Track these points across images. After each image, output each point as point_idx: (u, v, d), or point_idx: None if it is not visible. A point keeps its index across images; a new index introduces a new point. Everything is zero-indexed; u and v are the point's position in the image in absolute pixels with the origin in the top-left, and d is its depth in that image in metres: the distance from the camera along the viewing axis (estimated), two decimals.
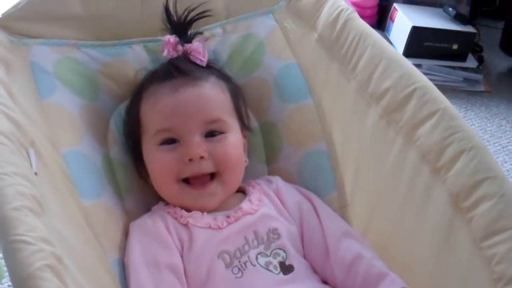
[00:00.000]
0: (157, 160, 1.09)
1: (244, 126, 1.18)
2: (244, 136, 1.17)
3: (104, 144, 1.14)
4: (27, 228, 0.73)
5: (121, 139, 1.17)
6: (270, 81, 1.26)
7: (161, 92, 1.11)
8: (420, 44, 2.39)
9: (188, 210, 1.08)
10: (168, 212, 1.08)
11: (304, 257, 1.08)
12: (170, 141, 1.08)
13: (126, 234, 1.06)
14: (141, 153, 1.13)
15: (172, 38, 1.15)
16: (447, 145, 0.97)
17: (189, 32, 1.17)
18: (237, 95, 1.18)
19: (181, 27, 1.16)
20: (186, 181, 1.08)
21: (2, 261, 1.28)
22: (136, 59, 1.21)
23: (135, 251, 1.02)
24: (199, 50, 1.15)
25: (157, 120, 1.10)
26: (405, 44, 2.39)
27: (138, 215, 1.10)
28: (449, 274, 0.93)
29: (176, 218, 1.06)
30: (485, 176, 0.91)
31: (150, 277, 0.98)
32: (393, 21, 2.51)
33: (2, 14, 1.12)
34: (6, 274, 1.32)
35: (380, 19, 2.63)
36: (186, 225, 1.05)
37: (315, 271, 1.07)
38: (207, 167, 1.08)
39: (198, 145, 1.07)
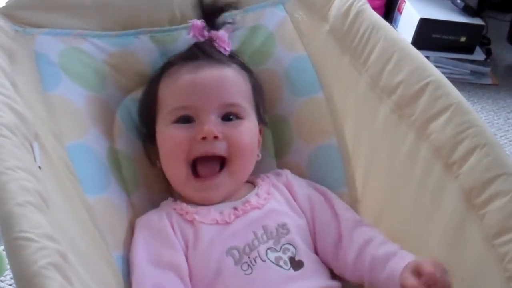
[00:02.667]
0: (170, 137, 1.08)
1: (261, 121, 1.17)
2: (260, 131, 1.16)
3: (109, 137, 1.13)
4: (31, 225, 0.72)
5: (127, 132, 1.16)
6: (281, 73, 1.25)
7: (183, 71, 1.10)
8: (428, 36, 2.39)
9: (195, 203, 1.06)
10: (174, 209, 1.06)
11: (315, 250, 1.07)
12: (185, 120, 1.08)
13: (131, 230, 1.05)
14: (153, 136, 1.12)
15: (199, 22, 1.15)
16: (460, 140, 0.96)
17: (216, 21, 1.17)
18: (257, 90, 1.17)
19: (210, 14, 1.16)
20: (195, 171, 1.07)
21: (4, 253, 1.27)
22: (142, 49, 1.19)
23: (139, 248, 1.01)
24: (224, 39, 1.15)
25: (175, 97, 1.09)
26: (413, 36, 2.40)
27: (145, 210, 1.09)
28: (460, 271, 0.92)
29: (181, 215, 1.05)
30: (499, 173, 0.90)
31: (152, 275, 0.97)
32: (400, 13, 2.51)
33: (7, 3, 1.11)
34: (9, 266, 1.31)
35: (388, 11, 2.63)
36: (191, 222, 1.04)
37: (325, 263, 1.07)
38: (219, 149, 1.06)
39: (213, 124, 1.06)
